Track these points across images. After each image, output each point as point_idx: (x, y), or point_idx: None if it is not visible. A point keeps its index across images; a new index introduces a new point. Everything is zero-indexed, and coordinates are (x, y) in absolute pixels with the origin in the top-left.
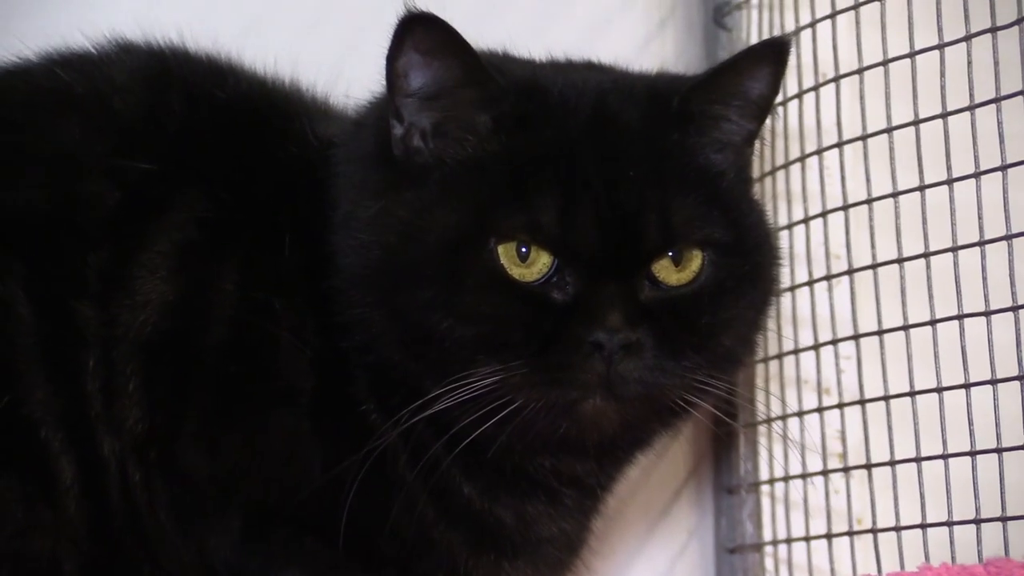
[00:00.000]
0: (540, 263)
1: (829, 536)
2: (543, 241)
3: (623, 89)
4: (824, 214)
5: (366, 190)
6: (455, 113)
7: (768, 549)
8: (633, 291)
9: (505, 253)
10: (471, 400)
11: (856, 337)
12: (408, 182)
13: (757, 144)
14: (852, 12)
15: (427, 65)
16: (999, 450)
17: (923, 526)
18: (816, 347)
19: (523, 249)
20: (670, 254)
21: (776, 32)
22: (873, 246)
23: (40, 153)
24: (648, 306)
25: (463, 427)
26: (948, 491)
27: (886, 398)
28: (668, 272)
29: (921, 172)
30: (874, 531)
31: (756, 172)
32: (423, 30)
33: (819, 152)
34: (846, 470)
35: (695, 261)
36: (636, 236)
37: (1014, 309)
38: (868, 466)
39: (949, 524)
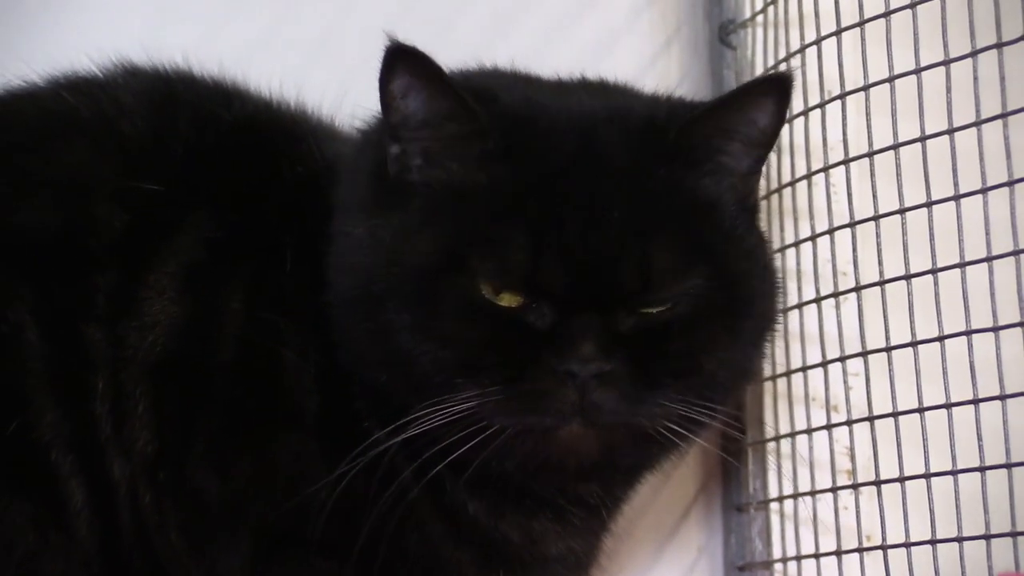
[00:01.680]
0: (515, 295)
1: (839, 553)
2: (513, 283)
3: (615, 119)
4: (831, 231)
5: (356, 206)
6: (441, 144)
7: (778, 567)
8: (610, 320)
9: (484, 285)
10: (447, 424)
11: (864, 354)
12: (396, 203)
13: (764, 168)
14: (857, 30)
15: (412, 97)
16: (1008, 465)
17: (933, 542)
18: (824, 364)
19: (499, 286)
20: (650, 296)
21: (782, 50)
22: (880, 263)
23: (47, 176)
24: (625, 333)
25: (442, 449)
26: (958, 507)
27: (895, 414)
28: (646, 299)
29: (928, 188)
30: (884, 547)
31: (762, 191)
32: (403, 65)
33: (825, 169)
34: (855, 487)
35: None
36: (612, 282)
37: (1023, 324)
38: (877, 482)
39: (959, 540)
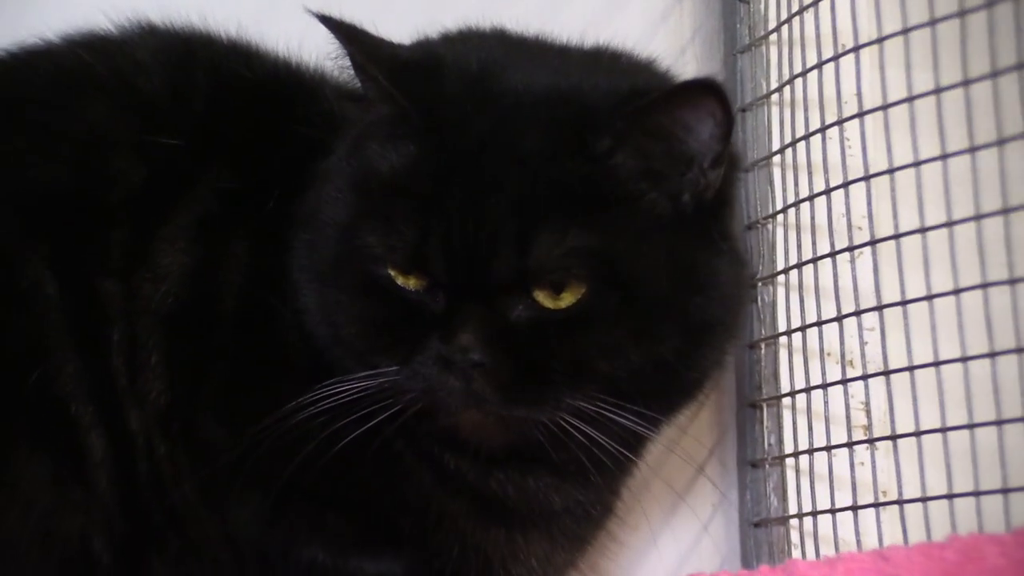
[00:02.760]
0: (412, 278)
1: (855, 508)
2: (402, 265)
3: (551, 102)
4: (845, 185)
5: (337, 164)
6: (369, 123)
7: (793, 522)
8: (498, 312)
9: (381, 258)
10: (350, 402)
11: (879, 308)
12: (351, 171)
13: (774, 124)
14: None
15: (354, 71)
16: None
17: (950, 496)
18: (839, 319)
19: (395, 262)
20: (529, 287)
21: (795, 3)
22: (895, 216)
23: (65, 132)
24: (515, 325)
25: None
26: (975, 461)
27: (910, 368)
28: (546, 297)
29: (943, 141)
30: (900, 502)
31: (777, 144)
32: (340, 43)
33: (840, 123)
34: (871, 441)
35: (578, 290)
36: (485, 267)
37: None
38: (893, 437)
39: (976, 494)
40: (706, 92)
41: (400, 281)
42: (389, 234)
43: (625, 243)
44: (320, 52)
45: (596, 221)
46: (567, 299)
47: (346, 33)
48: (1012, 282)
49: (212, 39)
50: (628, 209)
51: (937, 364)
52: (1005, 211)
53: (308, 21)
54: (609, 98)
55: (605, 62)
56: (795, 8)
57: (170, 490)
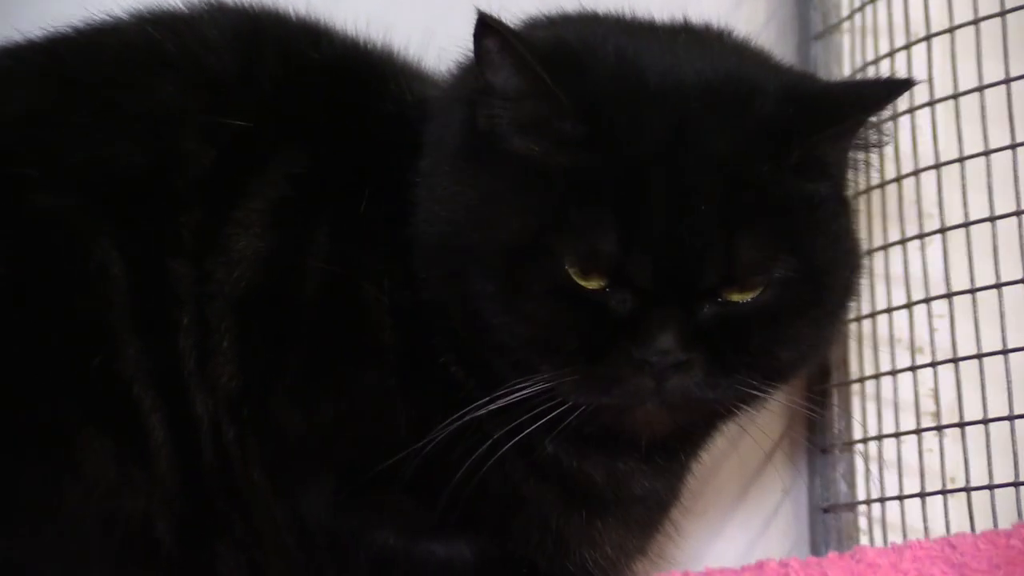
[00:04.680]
0: (601, 279)
1: (922, 495)
2: (601, 270)
3: (719, 101)
4: (916, 172)
5: (445, 148)
6: (526, 120)
7: (862, 508)
8: (690, 311)
9: (570, 266)
10: (524, 401)
11: (949, 295)
12: (484, 161)
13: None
14: None
15: (498, 72)
16: None
17: (1016, 484)
18: (909, 306)
19: (584, 269)
20: (726, 289)
21: None
22: (965, 204)
23: (134, 111)
24: (705, 323)
25: (525, 415)
26: None
27: (979, 356)
28: (732, 293)
29: (1013, 130)
30: (967, 490)
31: None
32: (490, 41)
33: (911, 111)
34: (939, 429)
35: (763, 285)
36: (696, 276)
37: None
38: (961, 424)
39: None
40: (893, 91)
41: (580, 282)
42: (586, 241)
43: (810, 239)
44: (401, 31)
45: (787, 221)
46: (750, 294)
47: (496, 25)
48: None
49: (281, 17)
50: (809, 204)
51: (1006, 352)
52: None
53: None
54: (789, 103)
55: (732, 47)
56: None
57: (237, 475)
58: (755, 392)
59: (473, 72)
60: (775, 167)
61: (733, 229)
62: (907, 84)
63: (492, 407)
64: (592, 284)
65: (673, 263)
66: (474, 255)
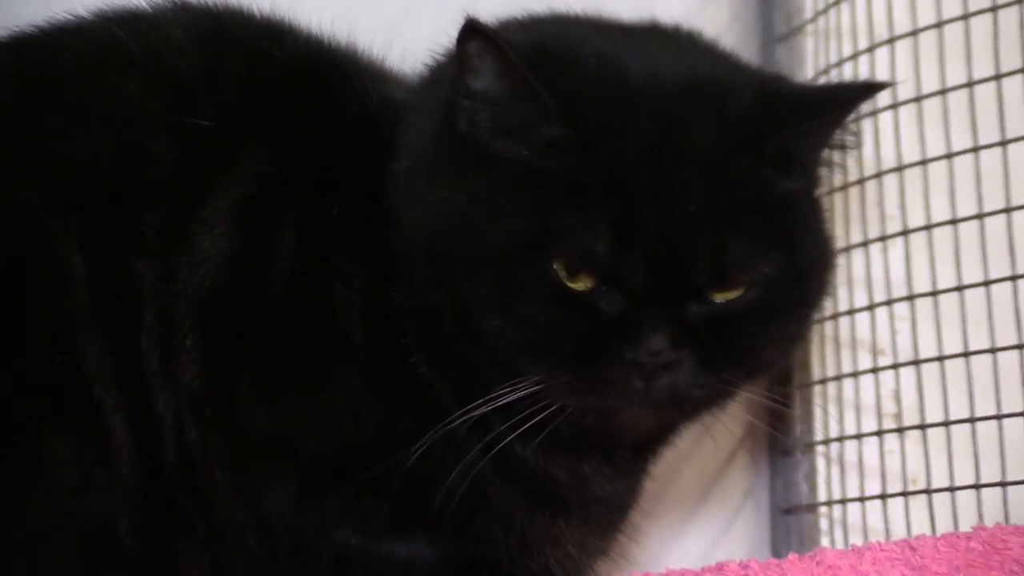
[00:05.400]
0: (590, 280)
1: (883, 497)
2: (594, 271)
3: (700, 102)
4: (879, 175)
5: (428, 152)
6: (512, 123)
7: (823, 510)
8: (679, 311)
9: (559, 267)
10: (509, 404)
11: (911, 298)
12: (469, 165)
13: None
14: None
15: (483, 75)
16: None
17: (977, 486)
18: (871, 308)
19: (574, 270)
20: (714, 289)
21: None
22: (927, 207)
23: (98, 110)
24: (693, 322)
25: (503, 418)
26: (1002, 452)
27: (940, 359)
28: (717, 293)
29: (975, 133)
30: (928, 492)
31: None
32: (476, 44)
33: (874, 114)
34: (900, 431)
35: (748, 285)
36: (686, 274)
37: None
38: (923, 426)
39: (1003, 484)
40: (866, 94)
41: (570, 284)
42: (580, 244)
43: (792, 236)
44: (365, 30)
45: (771, 219)
46: (737, 292)
47: (483, 28)
48: None
49: (245, 16)
50: (788, 201)
51: (967, 355)
52: None
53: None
54: (763, 101)
55: (704, 48)
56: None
57: (200, 474)
58: (738, 389)
59: (450, 74)
60: (755, 165)
61: (722, 228)
62: (879, 86)
63: (486, 409)
64: (581, 285)
65: (666, 263)
66: (465, 260)
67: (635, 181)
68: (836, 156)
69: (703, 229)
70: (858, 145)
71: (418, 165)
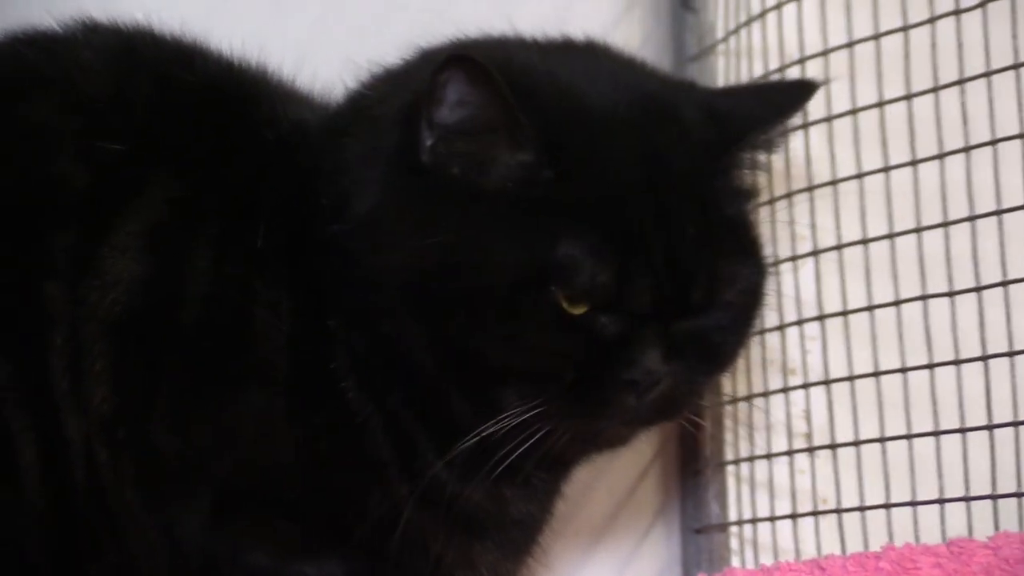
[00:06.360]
0: (589, 304)
1: (794, 516)
2: (597, 298)
3: (667, 118)
4: (789, 195)
5: (391, 193)
6: (492, 155)
7: (733, 529)
8: (671, 329)
9: (559, 296)
10: (510, 430)
11: (821, 318)
12: (447, 201)
13: None
14: None
15: (461, 107)
16: (962, 430)
17: (887, 506)
18: (781, 327)
19: (573, 297)
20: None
21: (743, 14)
22: (838, 227)
23: (7, 132)
24: (679, 338)
25: (493, 448)
26: (912, 472)
27: (851, 378)
28: (708, 308)
29: (886, 154)
30: (839, 511)
31: None
32: (459, 76)
33: (784, 133)
34: (811, 450)
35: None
36: (684, 297)
37: (977, 290)
38: (833, 446)
39: (913, 504)
40: (805, 92)
41: (570, 310)
42: (580, 274)
43: (753, 248)
44: (275, 49)
45: (741, 233)
46: (719, 307)
47: (472, 58)
48: (950, 294)
49: (156, 38)
50: (746, 212)
51: (877, 375)
52: (944, 224)
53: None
54: (711, 116)
55: (641, 66)
56: (742, 19)
57: (110, 497)
58: (702, 397)
59: (397, 107)
60: (723, 181)
61: (712, 247)
62: (816, 86)
63: (475, 439)
64: (579, 310)
65: (669, 287)
66: (458, 297)
67: (630, 207)
68: (762, 157)
69: (698, 250)
70: (784, 143)
71: (381, 207)
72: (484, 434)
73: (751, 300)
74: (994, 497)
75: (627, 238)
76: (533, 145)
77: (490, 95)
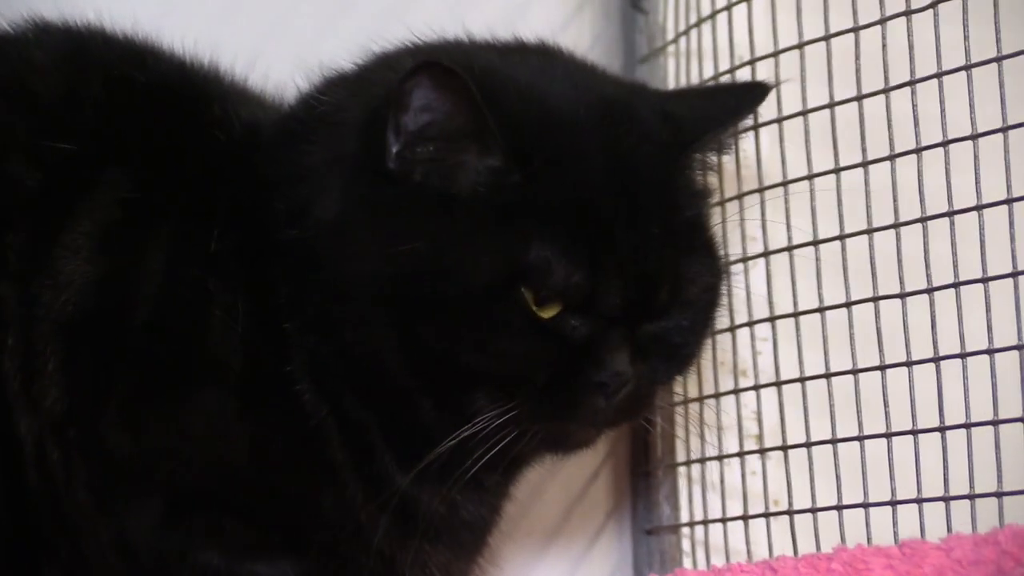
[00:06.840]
0: (558, 307)
1: (745, 517)
2: (566, 298)
3: (628, 120)
4: (740, 196)
5: (357, 200)
6: (463, 160)
7: (685, 531)
8: (638, 331)
9: (529, 298)
10: (479, 434)
11: (772, 319)
12: (414, 207)
13: None
14: None
15: (428, 113)
16: (914, 432)
17: (839, 507)
18: (732, 329)
19: (544, 299)
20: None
21: (692, 15)
22: (788, 228)
23: None
24: (645, 339)
25: (461, 452)
26: (864, 473)
27: (802, 380)
28: (674, 308)
29: (836, 154)
30: (790, 512)
31: None
32: (430, 82)
33: (735, 134)
34: (762, 451)
35: None
36: (651, 298)
37: (928, 291)
38: (784, 447)
39: (865, 506)
40: (760, 94)
41: (541, 313)
42: (553, 277)
43: (713, 248)
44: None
45: (702, 233)
46: (684, 307)
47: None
48: (902, 296)
49: (107, 37)
50: (704, 212)
51: (828, 376)
52: (896, 225)
53: (211, 17)
54: (667, 116)
55: (595, 69)
56: (693, 20)
57: (62, 497)
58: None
59: (357, 113)
60: (684, 182)
61: (677, 248)
62: (768, 88)
63: (452, 442)
64: (549, 313)
65: (638, 288)
66: (431, 302)
67: (599, 208)
68: (714, 158)
69: (664, 251)
70: (735, 144)
71: (346, 215)
72: (461, 438)
73: (711, 299)
74: (946, 499)
75: (598, 239)
76: (501, 149)
77: (458, 100)
